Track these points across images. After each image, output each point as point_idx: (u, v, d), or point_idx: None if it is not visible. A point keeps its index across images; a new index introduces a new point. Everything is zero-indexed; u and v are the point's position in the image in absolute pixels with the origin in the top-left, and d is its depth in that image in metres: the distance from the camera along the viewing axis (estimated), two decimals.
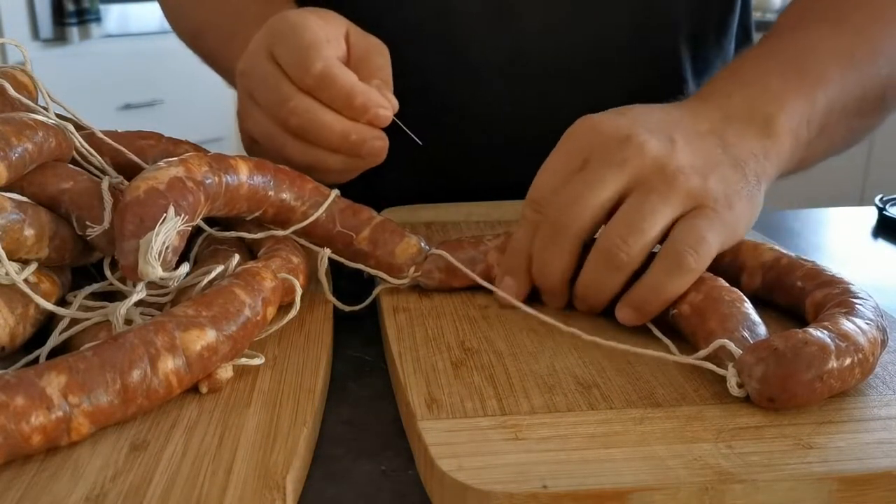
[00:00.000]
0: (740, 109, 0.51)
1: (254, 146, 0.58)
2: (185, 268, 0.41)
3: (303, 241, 0.52)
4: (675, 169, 0.46)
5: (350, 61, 0.57)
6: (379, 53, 0.58)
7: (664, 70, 0.74)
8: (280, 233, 0.51)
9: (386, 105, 0.54)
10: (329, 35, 0.55)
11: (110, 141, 0.50)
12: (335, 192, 0.52)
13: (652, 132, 0.48)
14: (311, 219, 0.51)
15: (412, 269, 0.52)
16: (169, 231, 0.40)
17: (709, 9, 0.75)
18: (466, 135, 0.73)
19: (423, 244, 0.53)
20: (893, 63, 0.59)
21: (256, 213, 0.50)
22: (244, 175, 0.48)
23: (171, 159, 0.45)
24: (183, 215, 0.41)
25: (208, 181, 0.45)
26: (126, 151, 0.50)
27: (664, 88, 0.66)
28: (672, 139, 0.48)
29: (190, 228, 0.43)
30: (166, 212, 0.41)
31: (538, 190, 0.49)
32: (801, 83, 0.54)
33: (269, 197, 0.49)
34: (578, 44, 0.71)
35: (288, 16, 0.55)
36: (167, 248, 0.40)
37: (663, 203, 0.45)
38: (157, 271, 0.40)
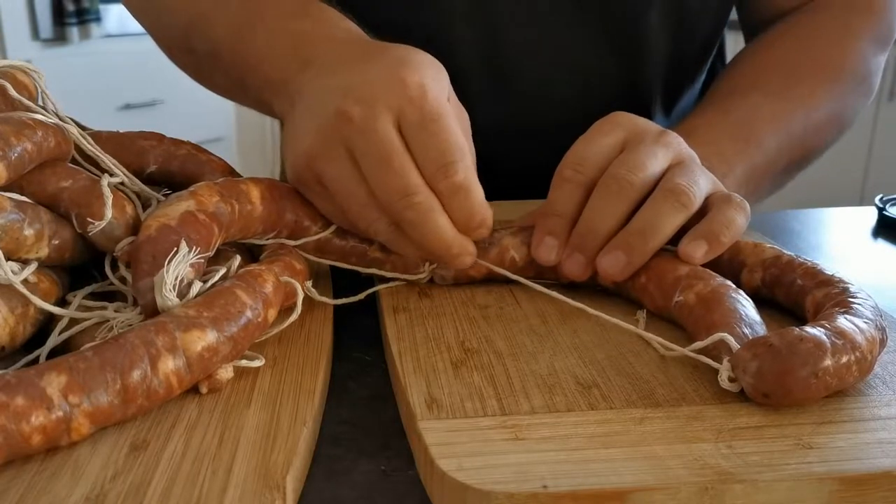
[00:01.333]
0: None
1: (315, 187, 0.50)
2: (196, 287, 0.41)
3: (308, 256, 0.52)
4: (701, 163, 0.53)
5: None
6: (469, 133, 0.53)
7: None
8: (291, 242, 0.51)
9: (491, 223, 0.51)
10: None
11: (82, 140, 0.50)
12: None
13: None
14: (319, 237, 0.51)
15: (427, 264, 0.52)
16: (180, 264, 0.41)
17: (684, 64, 0.81)
18: None
19: None
20: (817, 134, 0.71)
21: (271, 235, 0.50)
22: (257, 200, 0.48)
23: (181, 193, 0.45)
24: (195, 248, 0.42)
25: (221, 211, 0.45)
26: (100, 154, 0.50)
27: None
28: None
29: (204, 260, 0.43)
30: (178, 246, 0.41)
31: (581, 156, 0.52)
32: (745, 147, 0.64)
33: (283, 218, 0.49)
34: (568, 99, 0.77)
35: (427, 86, 0.48)
36: (182, 280, 0.41)
37: (703, 177, 0.51)
38: (174, 302, 0.40)
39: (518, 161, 0.75)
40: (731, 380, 0.39)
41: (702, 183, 0.50)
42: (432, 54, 0.52)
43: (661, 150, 0.51)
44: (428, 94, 0.48)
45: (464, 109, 0.54)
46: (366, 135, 0.47)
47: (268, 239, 0.50)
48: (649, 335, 0.44)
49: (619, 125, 0.53)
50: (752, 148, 0.65)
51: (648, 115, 0.80)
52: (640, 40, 0.76)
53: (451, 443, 0.36)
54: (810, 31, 0.75)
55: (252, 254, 0.52)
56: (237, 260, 0.45)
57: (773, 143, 0.66)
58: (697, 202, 0.49)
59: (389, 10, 0.70)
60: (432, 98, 0.48)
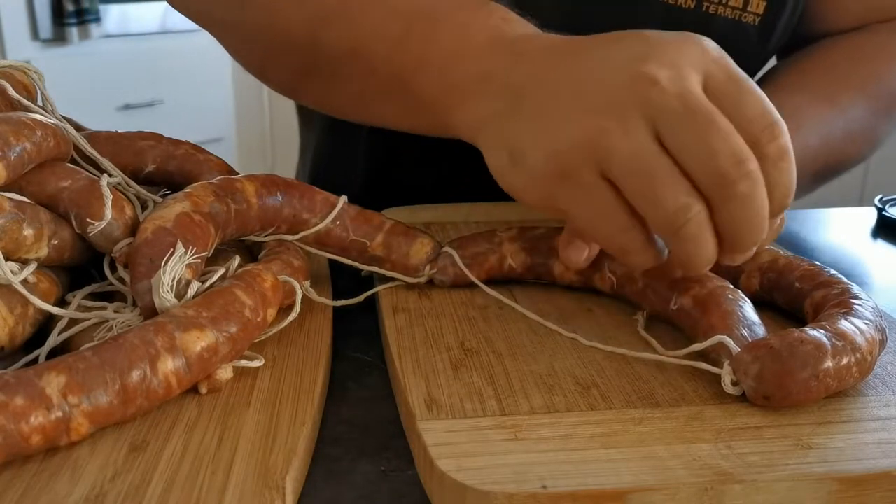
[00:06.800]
0: None
1: (589, 178, 0.43)
2: (194, 288, 0.41)
3: (309, 248, 0.52)
4: None
5: None
6: None
7: None
8: (289, 238, 0.50)
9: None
10: None
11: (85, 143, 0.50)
12: (343, 199, 0.52)
13: None
14: (318, 227, 0.50)
15: (427, 268, 0.52)
16: (176, 264, 0.41)
17: None
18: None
19: (434, 242, 0.53)
20: (853, 145, 0.69)
21: (270, 231, 0.50)
22: (252, 196, 0.48)
23: (177, 194, 0.45)
24: (192, 249, 0.42)
25: (216, 211, 0.45)
26: (97, 155, 0.50)
27: None
28: None
29: (201, 261, 0.43)
30: (174, 248, 0.41)
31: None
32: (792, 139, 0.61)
33: (281, 213, 0.49)
34: None
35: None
36: (179, 281, 0.41)
37: None
38: (172, 303, 0.40)
39: None
40: (733, 384, 0.39)
41: None
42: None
43: None
44: (728, 57, 0.43)
45: None
46: (680, 97, 0.41)
47: (266, 235, 0.50)
48: (647, 354, 0.44)
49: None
50: (797, 142, 0.61)
51: None
52: None
53: (450, 443, 0.36)
54: (859, 46, 0.73)
55: (251, 252, 0.52)
56: (236, 260, 0.45)
57: (815, 142, 0.63)
58: None
59: None
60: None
